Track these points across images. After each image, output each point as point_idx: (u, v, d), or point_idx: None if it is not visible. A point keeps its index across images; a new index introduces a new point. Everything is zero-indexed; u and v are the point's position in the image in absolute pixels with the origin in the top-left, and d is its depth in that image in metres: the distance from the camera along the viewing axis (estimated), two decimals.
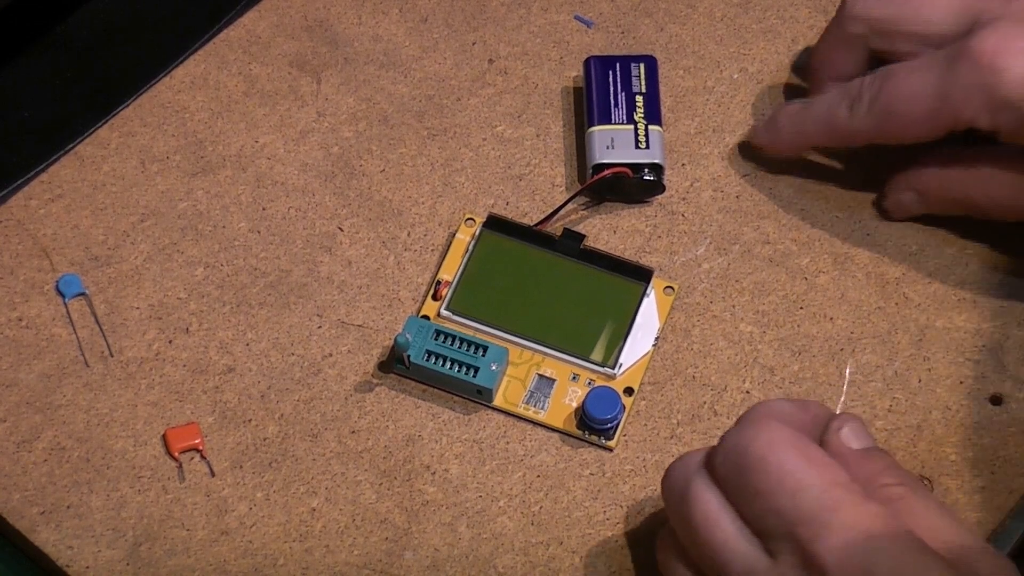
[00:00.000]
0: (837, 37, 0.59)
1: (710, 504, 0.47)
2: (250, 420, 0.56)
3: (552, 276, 0.58)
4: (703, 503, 0.47)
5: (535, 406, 0.56)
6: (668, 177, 0.61)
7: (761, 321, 0.58)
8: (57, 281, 0.58)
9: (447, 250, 0.59)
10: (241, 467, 0.55)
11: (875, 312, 0.58)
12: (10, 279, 0.58)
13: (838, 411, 0.55)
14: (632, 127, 0.60)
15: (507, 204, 0.61)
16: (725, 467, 0.46)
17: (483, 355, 0.55)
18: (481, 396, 0.56)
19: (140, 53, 0.64)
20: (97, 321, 0.57)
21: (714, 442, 0.55)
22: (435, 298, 0.58)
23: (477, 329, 0.57)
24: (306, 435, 0.55)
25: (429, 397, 0.56)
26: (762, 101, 0.63)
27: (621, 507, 0.54)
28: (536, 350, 0.57)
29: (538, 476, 0.55)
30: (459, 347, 0.55)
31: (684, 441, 0.56)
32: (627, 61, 0.62)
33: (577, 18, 0.65)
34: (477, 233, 0.59)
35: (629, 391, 0.56)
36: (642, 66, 0.62)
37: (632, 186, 0.60)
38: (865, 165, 0.62)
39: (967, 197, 0.57)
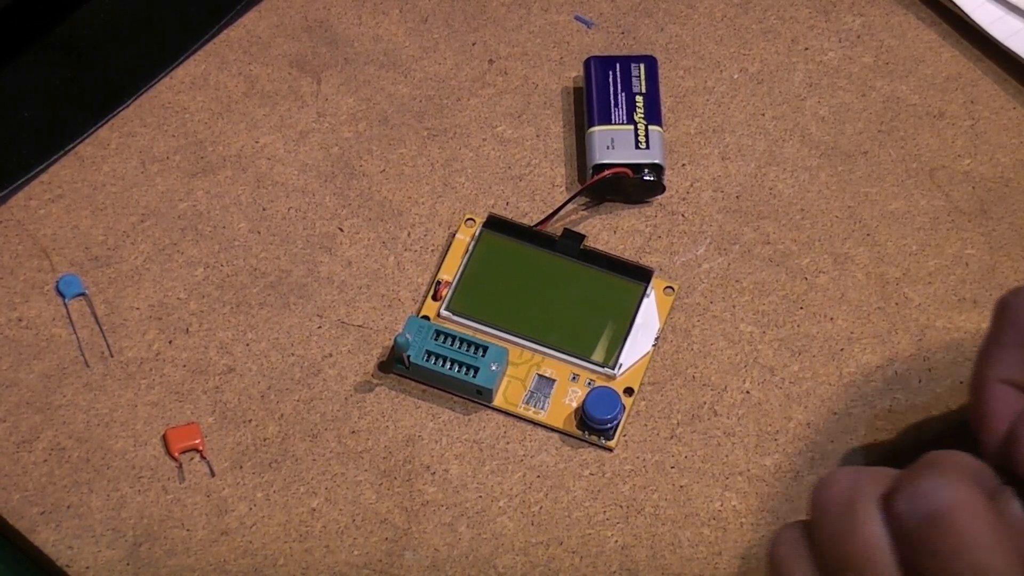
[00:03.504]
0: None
1: (877, 540, 0.44)
2: (250, 420, 0.56)
3: (552, 276, 0.58)
4: (870, 535, 0.44)
5: (535, 406, 0.56)
6: (668, 177, 0.61)
7: (761, 321, 0.58)
8: (57, 281, 0.58)
9: (447, 250, 0.59)
10: (241, 467, 0.55)
11: (875, 312, 0.58)
12: (10, 279, 0.58)
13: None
14: (632, 127, 0.60)
15: (507, 204, 0.61)
16: (908, 514, 0.43)
17: (483, 355, 0.55)
18: (481, 396, 0.56)
19: (140, 53, 0.64)
20: (97, 321, 0.57)
21: (714, 442, 0.55)
22: (435, 298, 0.58)
23: (477, 329, 0.57)
24: (306, 435, 0.55)
25: (429, 397, 0.56)
26: (762, 101, 0.63)
27: (621, 507, 0.54)
28: (536, 350, 0.57)
29: (538, 476, 0.55)
30: (459, 347, 0.55)
31: (684, 441, 0.56)
32: (627, 61, 0.62)
33: (577, 18, 0.65)
34: (477, 233, 0.59)
35: (629, 391, 0.56)
36: (642, 66, 0.62)
37: (632, 186, 0.60)
38: (866, 164, 0.62)
39: None
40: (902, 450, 0.55)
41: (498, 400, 0.56)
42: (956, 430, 0.56)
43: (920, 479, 0.44)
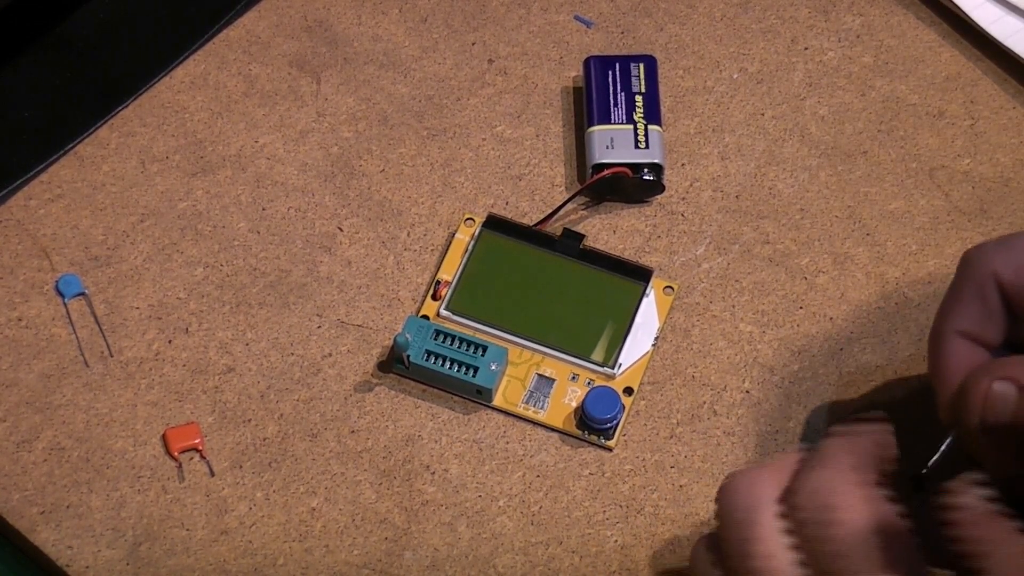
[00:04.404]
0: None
1: (776, 543, 0.44)
2: (250, 420, 0.56)
3: (552, 276, 0.58)
4: (769, 539, 0.44)
5: (535, 406, 0.56)
6: (668, 177, 0.61)
7: (761, 321, 0.58)
8: (57, 281, 0.58)
9: (447, 250, 0.59)
10: (241, 467, 0.55)
11: (875, 312, 0.58)
12: (10, 279, 0.58)
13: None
14: (632, 127, 0.60)
15: (507, 204, 0.61)
16: (806, 512, 0.44)
17: (483, 355, 0.55)
18: (481, 396, 0.56)
19: (140, 53, 0.64)
20: (97, 321, 0.57)
21: (714, 442, 0.55)
22: (435, 298, 0.58)
23: (477, 329, 0.57)
24: (306, 435, 0.56)
25: (429, 397, 0.56)
26: (762, 101, 0.63)
27: (621, 507, 0.54)
28: (536, 350, 0.57)
29: (538, 476, 0.55)
30: (459, 347, 0.55)
31: (684, 441, 0.56)
32: (627, 61, 0.62)
33: (577, 18, 0.65)
34: (477, 233, 0.59)
35: (629, 391, 0.56)
36: (642, 66, 0.62)
37: (632, 186, 0.60)
38: (865, 164, 0.62)
39: None
40: (901, 450, 0.55)
41: (498, 400, 0.56)
42: None
43: (816, 477, 0.44)
